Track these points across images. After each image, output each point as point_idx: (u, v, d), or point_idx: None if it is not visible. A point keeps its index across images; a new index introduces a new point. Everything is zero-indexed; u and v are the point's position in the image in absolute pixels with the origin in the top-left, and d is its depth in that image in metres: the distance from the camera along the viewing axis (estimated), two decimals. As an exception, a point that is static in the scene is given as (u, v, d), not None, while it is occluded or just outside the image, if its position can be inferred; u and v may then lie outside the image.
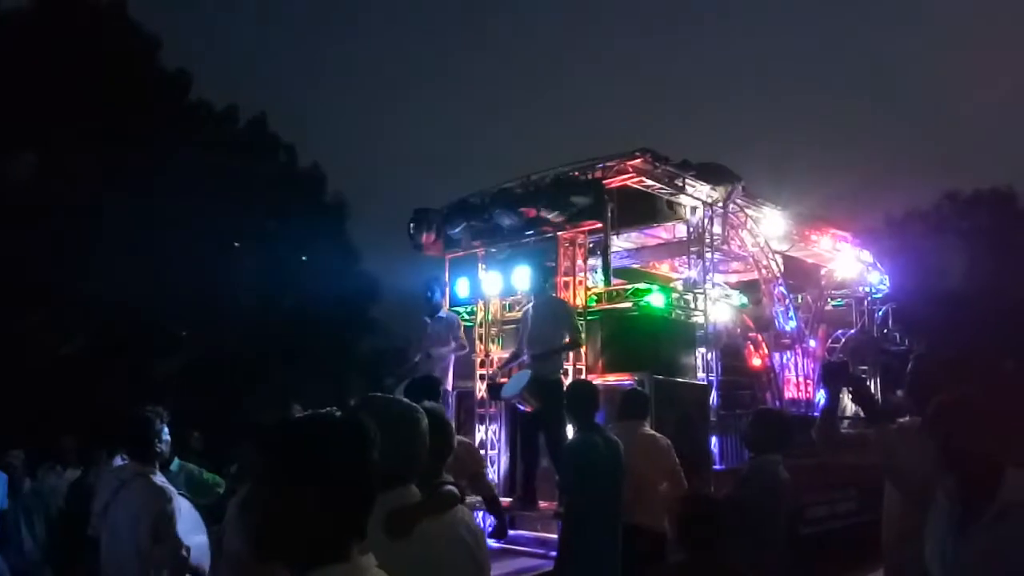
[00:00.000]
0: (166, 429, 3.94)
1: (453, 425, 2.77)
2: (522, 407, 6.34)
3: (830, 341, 9.69)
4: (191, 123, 15.28)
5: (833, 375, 4.09)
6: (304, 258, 15.52)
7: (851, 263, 10.28)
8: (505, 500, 6.27)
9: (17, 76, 12.87)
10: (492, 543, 5.25)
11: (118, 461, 5.63)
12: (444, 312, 7.42)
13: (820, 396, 8.73)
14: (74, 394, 11.00)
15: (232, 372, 13.32)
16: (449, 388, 7.42)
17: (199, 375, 13.27)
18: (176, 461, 5.27)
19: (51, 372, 11.59)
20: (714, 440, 7.13)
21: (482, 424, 7.47)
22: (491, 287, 7.68)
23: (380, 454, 1.51)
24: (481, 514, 5.33)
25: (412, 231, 8.17)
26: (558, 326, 6.47)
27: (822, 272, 10.31)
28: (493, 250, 7.87)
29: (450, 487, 2.39)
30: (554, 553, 5.01)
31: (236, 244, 14.25)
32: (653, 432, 5.30)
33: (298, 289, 15.12)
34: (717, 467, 7.01)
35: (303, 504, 1.42)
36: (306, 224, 16.18)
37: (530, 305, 6.81)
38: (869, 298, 10.70)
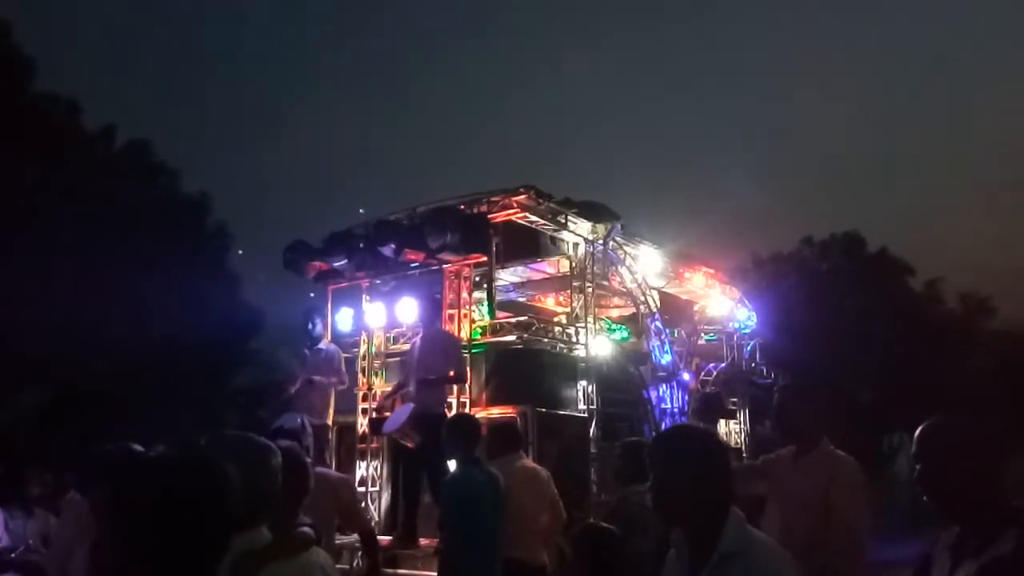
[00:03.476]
0: None
1: (310, 464, 2.67)
2: (404, 442, 6.24)
3: (702, 374, 10.14)
4: (64, 144, 14.31)
5: (711, 406, 4.26)
6: (183, 287, 14.75)
7: (721, 300, 10.85)
8: (386, 538, 6.12)
9: None
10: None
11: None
12: (324, 344, 7.25)
13: (694, 427, 9.08)
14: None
15: (99, 406, 12.42)
16: (329, 422, 7.24)
17: (62, 410, 12.30)
18: None
19: None
20: (594, 471, 7.26)
21: (363, 460, 7.30)
22: (375, 319, 7.58)
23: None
24: (360, 553, 5.18)
25: (289, 261, 7.96)
26: (445, 359, 6.44)
27: (695, 308, 10.82)
28: (377, 281, 7.79)
29: (305, 528, 2.31)
30: (434, 590, 4.93)
31: (106, 269, 13.37)
32: (533, 464, 5.34)
33: (175, 319, 14.36)
34: (596, 498, 7.12)
35: (147, 551, 1.34)
36: (186, 252, 15.45)
37: (418, 337, 6.75)
38: (738, 333, 11.29)
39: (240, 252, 18.52)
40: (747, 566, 1.97)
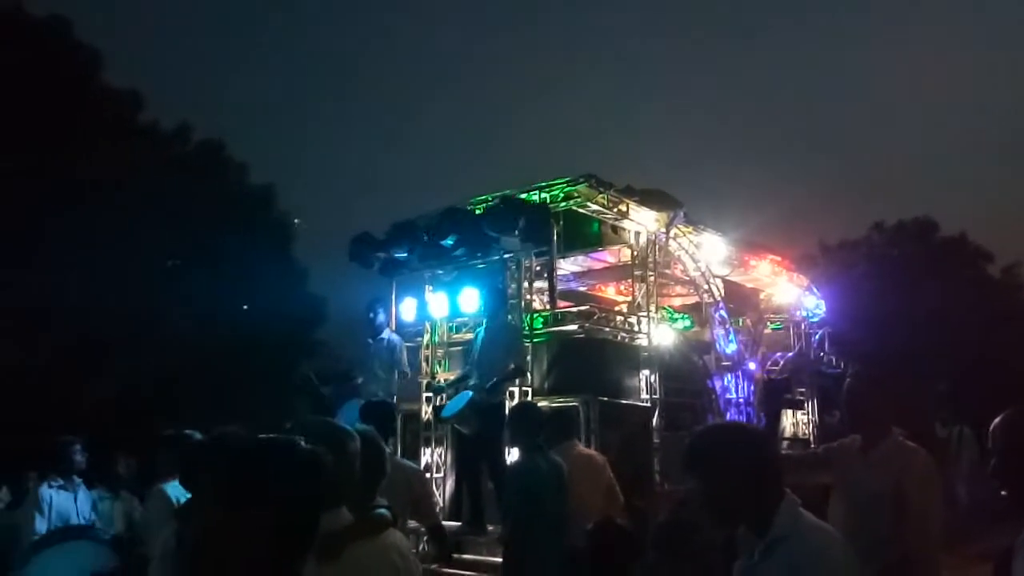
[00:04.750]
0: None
1: (387, 449, 2.76)
2: (461, 428, 6.33)
3: (769, 364, 9.95)
4: (139, 142, 14.93)
5: (775, 392, 4.18)
6: (249, 279, 15.25)
7: (788, 288, 10.61)
8: (452, 523, 6.23)
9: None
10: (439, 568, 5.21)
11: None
12: (387, 334, 7.38)
13: (760, 418, 8.95)
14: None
15: (171, 394, 12.98)
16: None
17: (139, 397, 12.91)
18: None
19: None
20: (657, 461, 7.22)
21: (428, 447, 7.43)
22: (438, 309, 7.68)
23: None
24: (424, 538, 5.29)
25: (354, 253, 8.12)
26: (506, 352, 6.48)
27: (761, 296, 10.61)
28: (440, 272, 7.89)
29: (382, 511, 2.39)
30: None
31: (177, 263, 13.98)
32: (589, 451, 5.36)
33: (242, 310, 14.87)
34: (660, 488, 7.09)
35: (249, 527, 1.42)
36: (253, 244, 15.92)
37: (482, 328, 6.82)
38: (806, 322, 11.03)
39: (303, 243, 18.97)
40: (794, 548, 1.99)
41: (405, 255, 7.79)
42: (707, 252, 8.99)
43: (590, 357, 7.20)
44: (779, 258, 10.40)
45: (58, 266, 12.04)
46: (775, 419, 3.98)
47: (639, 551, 3.44)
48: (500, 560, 5.40)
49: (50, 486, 5.47)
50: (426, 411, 7.53)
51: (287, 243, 18.57)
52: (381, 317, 7.36)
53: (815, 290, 11.21)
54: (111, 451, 6.19)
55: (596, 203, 7.62)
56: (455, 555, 5.74)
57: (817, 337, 11.27)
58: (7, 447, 7.65)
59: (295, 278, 18.39)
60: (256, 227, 16.87)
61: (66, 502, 5.47)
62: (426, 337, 7.86)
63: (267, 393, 15.48)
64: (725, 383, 8.82)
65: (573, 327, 7.23)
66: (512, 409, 5.21)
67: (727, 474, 2.07)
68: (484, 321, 6.84)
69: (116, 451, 6.21)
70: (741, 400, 8.87)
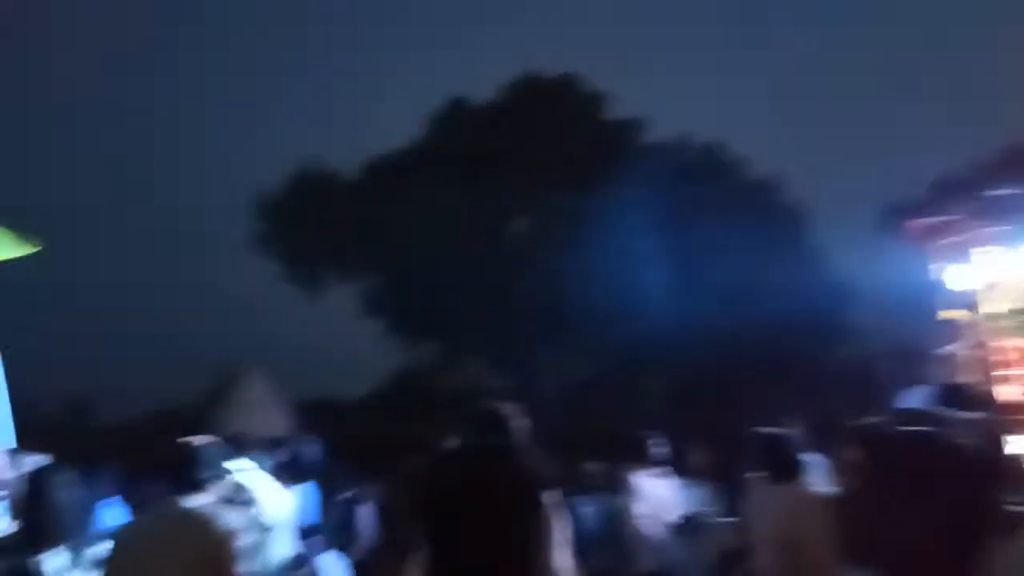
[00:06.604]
0: None
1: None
2: None
3: None
4: (646, 159, 16.60)
5: None
6: (764, 269, 15.45)
7: None
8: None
9: (501, 153, 15.66)
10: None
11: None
12: (945, 313, 6.73)
13: None
14: (586, 416, 12.65)
15: (712, 389, 13.80)
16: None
17: (685, 393, 14.10)
18: None
19: (566, 396, 13.61)
20: None
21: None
22: (1002, 272, 6.63)
23: None
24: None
25: (888, 224, 7.56)
26: None
27: None
28: (999, 229, 6.79)
29: (1008, 507, 2.14)
30: None
31: (699, 261, 14.98)
32: None
33: (764, 300, 15.12)
34: None
35: (923, 521, 1.41)
36: (765, 237, 16.13)
37: None
38: None
39: (821, 227, 18.50)
40: None
41: (952, 216, 6.95)
42: None
43: None
44: None
45: (606, 282, 13.99)
46: None
47: None
48: None
49: (641, 476, 6.22)
50: (1008, 392, 6.50)
51: (799, 230, 18.35)
52: (939, 296, 6.78)
53: None
54: (681, 442, 6.76)
55: None
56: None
57: None
58: (600, 443, 9.02)
59: (812, 263, 18.00)
60: (767, 219, 17.05)
61: (656, 489, 6.14)
62: (990, 305, 6.83)
63: (798, 382, 15.33)
64: None
65: None
66: None
67: None
68: None
69: (687, 442, 6.77)
70: None
